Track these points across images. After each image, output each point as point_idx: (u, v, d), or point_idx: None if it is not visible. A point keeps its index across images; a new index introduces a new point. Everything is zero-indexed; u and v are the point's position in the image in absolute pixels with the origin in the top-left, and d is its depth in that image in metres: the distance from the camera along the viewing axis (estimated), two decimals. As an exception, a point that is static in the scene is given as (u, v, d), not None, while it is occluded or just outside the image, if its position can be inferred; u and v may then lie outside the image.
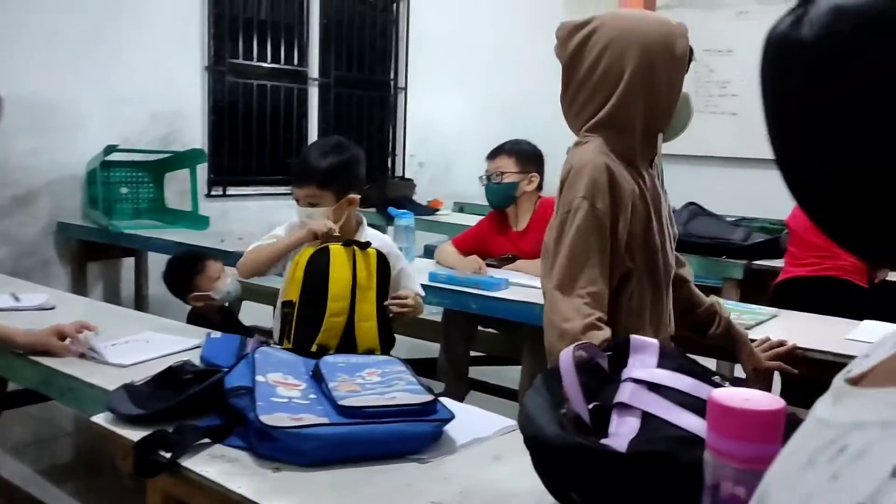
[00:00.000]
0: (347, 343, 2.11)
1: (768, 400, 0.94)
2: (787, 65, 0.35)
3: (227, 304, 3.10)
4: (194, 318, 2.86)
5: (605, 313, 1.59)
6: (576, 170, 1.64)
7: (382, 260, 2.21)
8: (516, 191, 3.26)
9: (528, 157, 3.29)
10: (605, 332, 1.54)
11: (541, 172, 3.33)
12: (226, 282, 2.93)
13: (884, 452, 0.36)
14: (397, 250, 2.45)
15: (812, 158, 0.36)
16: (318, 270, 2.11)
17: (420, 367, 3.35)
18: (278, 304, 2.26)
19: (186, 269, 2.98)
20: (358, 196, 2.31)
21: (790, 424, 1.09)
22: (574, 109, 1.73)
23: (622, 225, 1.63)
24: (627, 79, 1.64)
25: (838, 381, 0.40)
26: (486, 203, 3.43)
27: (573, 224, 1.60)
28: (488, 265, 3.26)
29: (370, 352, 2.10)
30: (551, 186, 3.23)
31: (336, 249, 2.14)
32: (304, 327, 2.10)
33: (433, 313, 3.48)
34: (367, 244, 2.20)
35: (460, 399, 3.16)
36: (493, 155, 3.33)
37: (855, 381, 0.39)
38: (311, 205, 2.24)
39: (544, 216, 3.19)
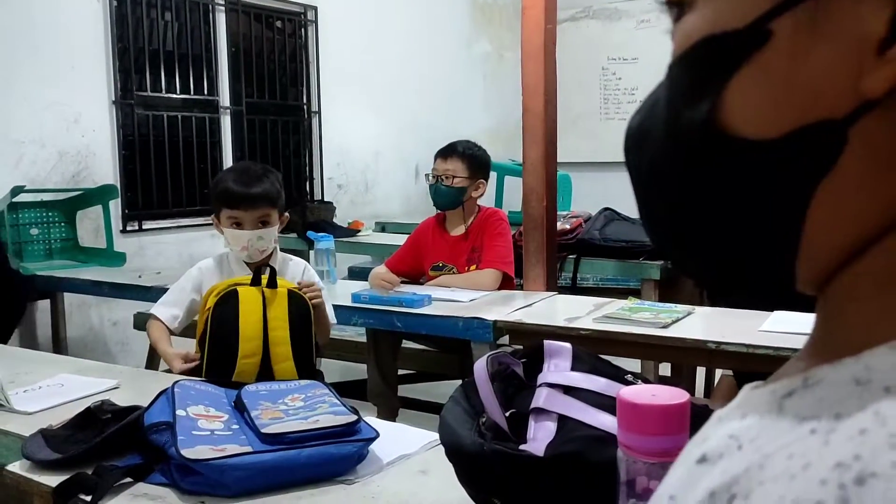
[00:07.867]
0: None
1: (673, 394, 0.97)
2: (627, 145, 0.43)
3: None
4: None
5: None
6: None
7: (295, 297, 2.17)
8: (464, 195, 3.23)
9: (479, 163, 3.27)
10: None
11: (487, 179, 3.32)
12: None
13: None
14: (302, 263, 2.48)
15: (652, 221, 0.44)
16: (225, 315, 2.08)
17: (350, 389, 3.37)
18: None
19: None
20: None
21: (703, 416, 1.13)
22: None
23: None
24: None
25: (747, 387, 0.40)
26: (407, 221, 3.43)
27: None
28: (420, 283, 3.26)
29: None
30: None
31: (244, 291, 2.11)
32: (216, 367, 2.07)
33: (360, 334, 3.47)
34: (275, 282, 2.14)
35: (392, 417, 3.16)
36: (445, 155, 3.25)
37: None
38: (262, 224, 2.25)
39: (483, 226, 3.23)
